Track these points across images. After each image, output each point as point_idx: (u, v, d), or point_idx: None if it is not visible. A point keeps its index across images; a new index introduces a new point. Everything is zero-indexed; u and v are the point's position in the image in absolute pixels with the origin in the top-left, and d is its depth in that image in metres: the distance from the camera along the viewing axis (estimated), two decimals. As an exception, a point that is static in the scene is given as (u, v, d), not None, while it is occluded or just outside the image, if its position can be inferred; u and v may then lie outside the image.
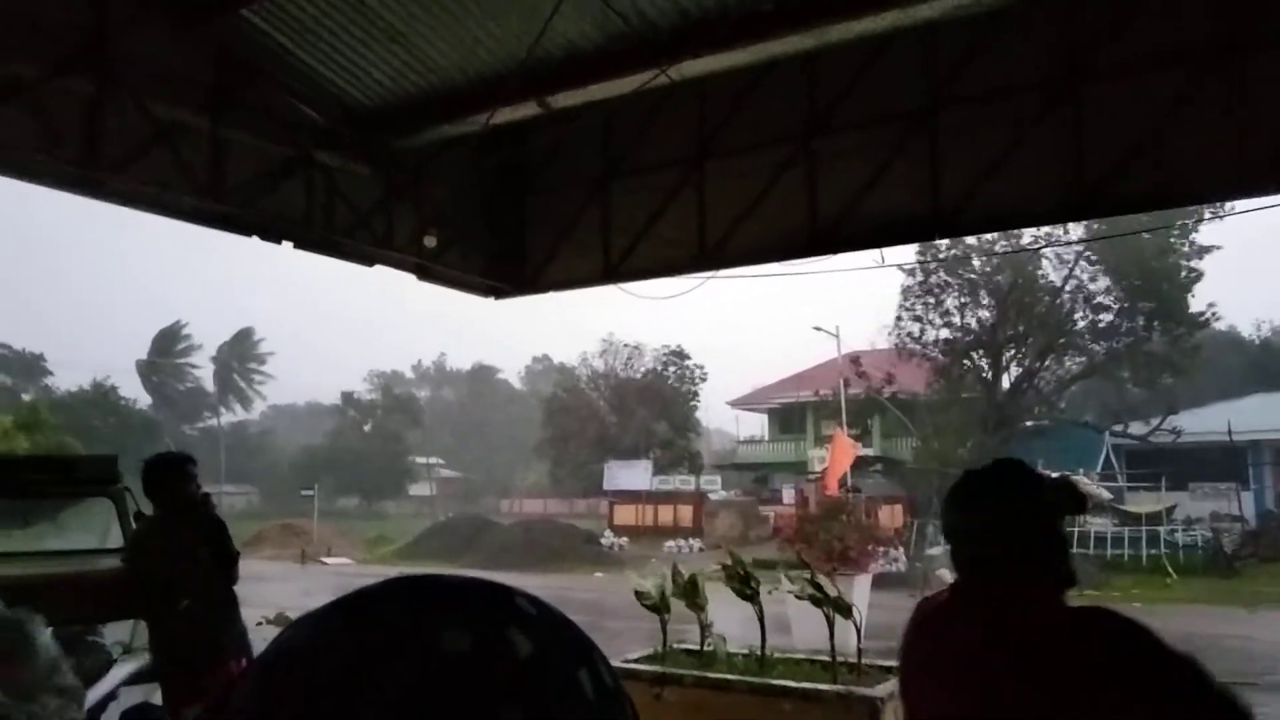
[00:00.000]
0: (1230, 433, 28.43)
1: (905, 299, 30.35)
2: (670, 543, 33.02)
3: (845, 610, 7.60)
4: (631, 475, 39.52)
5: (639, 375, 48.30)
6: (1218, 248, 28.61)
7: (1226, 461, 29.45)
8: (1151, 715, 1.63)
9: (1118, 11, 5.27)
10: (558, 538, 33.59)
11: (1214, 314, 29.51)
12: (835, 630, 5.68)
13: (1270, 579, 22.66)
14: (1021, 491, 1.95)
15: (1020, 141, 5.56)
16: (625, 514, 37.36)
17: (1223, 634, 16.64)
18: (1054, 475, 2.19)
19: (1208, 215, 26.07)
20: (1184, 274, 28.34)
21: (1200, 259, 28.42)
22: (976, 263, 28.49)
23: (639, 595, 5.95)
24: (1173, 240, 27.83)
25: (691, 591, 6.06)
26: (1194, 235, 27.85)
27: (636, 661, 5.69)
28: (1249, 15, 4.96)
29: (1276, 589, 21.39)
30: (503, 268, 7.68)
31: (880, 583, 19.67)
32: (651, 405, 45.36)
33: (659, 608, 6.00)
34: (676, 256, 7.06)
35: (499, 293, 7.81)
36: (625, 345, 49.14)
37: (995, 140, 5.63)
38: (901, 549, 25.39)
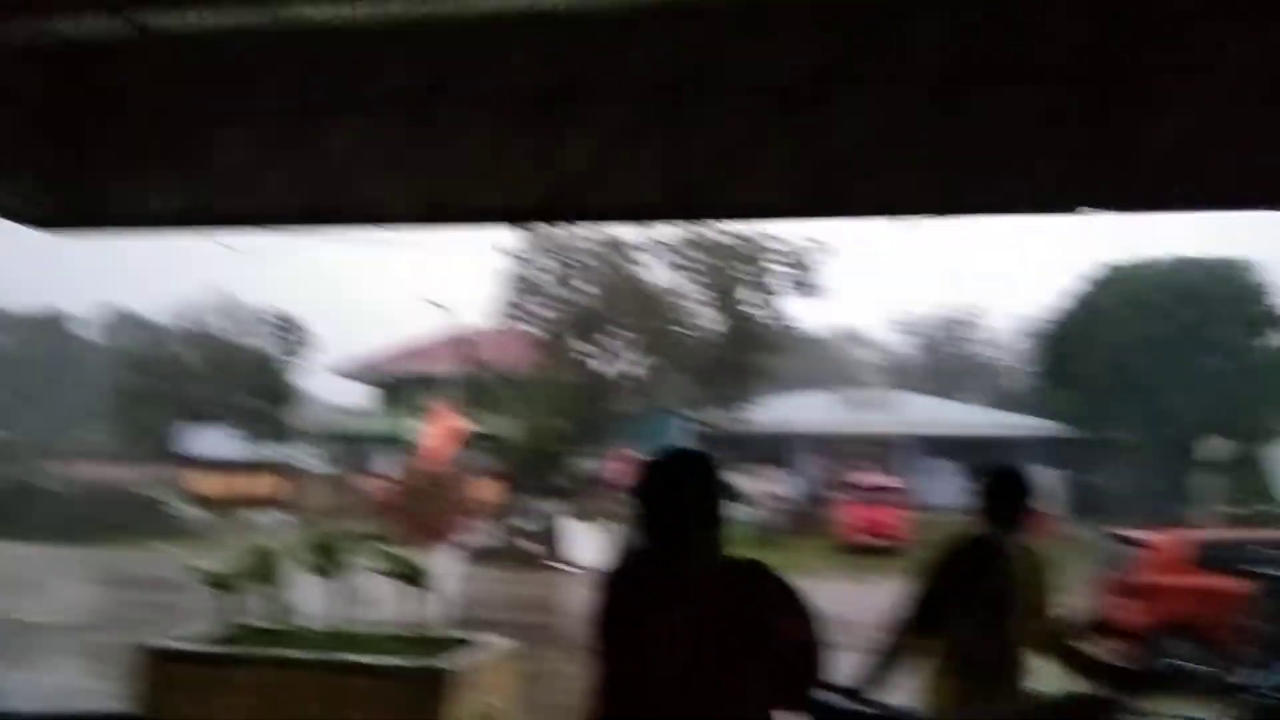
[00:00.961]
0: (780, 422, 32.98)
1: (516, 280, 31.10)
2: (257, 515, 31.07)
3: (428, 584, 7.57)
4: (217, 442, 36.67)
5: (234, 335, 44.83)
6: (805, 293, 32.49)
7: (777, 447, 33.93)
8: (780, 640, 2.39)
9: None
10: (124, 507, 30.30)
11: (785, 330, 33.72)
12: (421, 605, 5.65)
13: (802, 551, 26.15)
14: (708, 474, 2.56)
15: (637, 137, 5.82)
16: (207, 483, 34.53)
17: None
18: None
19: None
20: (766, 314, 32.02)
21: (782, 304, 32.25)
22: (585, 248, 29.88)
23: (196, 571, 5.53)
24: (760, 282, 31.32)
25: (263, 567, 5.73)
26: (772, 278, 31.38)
27: (191, 640, 5.26)
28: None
29: (810, 561, 24.72)
30: (65, 198, 6.69)
31: (477, 557, 20.07)
32: (246, 368, 42.30)
33: (224, 584, 5.61)
34: (282, 209, 6.58)
35: (52, 225, 6.76)
36: (221, 300, 45.35)
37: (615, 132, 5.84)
38: (496, 523, 26.00)
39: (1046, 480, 28.36)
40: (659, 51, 5.83)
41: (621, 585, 2.57)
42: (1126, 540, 13.18)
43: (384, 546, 10.73)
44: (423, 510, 14.16)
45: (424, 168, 6.26)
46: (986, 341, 60.63)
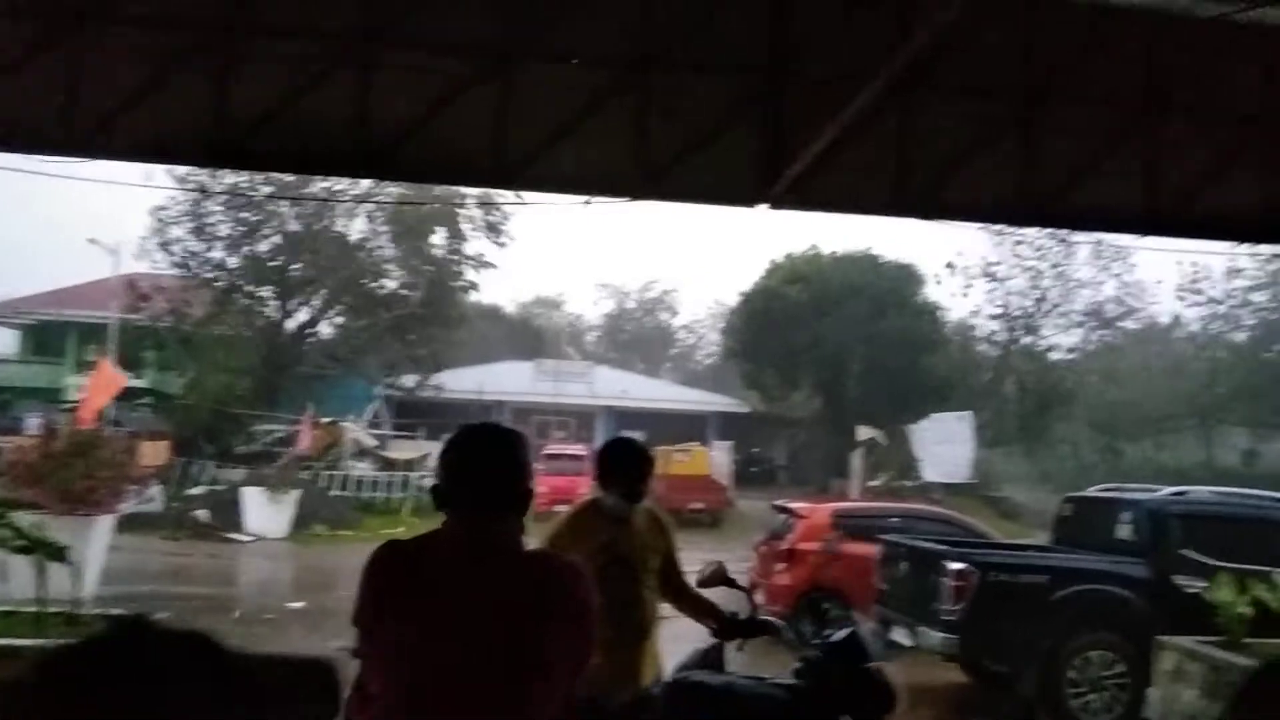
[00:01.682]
0: (480, 392, 32.85)
1: (182, 219, 28.61)
2: None
3: (68, 558, 6.83)
4: None
5: None
6: (493, 266, 32.53)
7: (477, 417, 33.73)
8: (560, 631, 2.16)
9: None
10: None
11: (480, 300, 33.73)
12: (64, 580, 5.08)
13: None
14: (516, 448, 2.40)
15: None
16: None
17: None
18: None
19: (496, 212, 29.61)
20: (460, 277, 31.76)
21: (479, 272, 32.17)
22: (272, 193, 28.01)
23: None
24: (456, 253, 31.03)
25: None
26: (469, 243, 31.24)
27: None
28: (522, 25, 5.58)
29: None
30: None
31: (132, 524, 18.28)
32: None
33: None
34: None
35: None
36: None
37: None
38: (160, 488, 23.88)
39: (722, 452, 30.39)
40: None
41: (404, 562, 2.32)
42: (785, 510, 14.38)
43: (15, 516, 9.53)
44: (68, 474, 12.66)
45: (81, 87, 5.57)
46: (679, 320, 63.99)
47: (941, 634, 9.22)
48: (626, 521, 3.88)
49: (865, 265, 34.26)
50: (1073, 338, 37.94)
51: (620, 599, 3.58)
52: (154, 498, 22.73)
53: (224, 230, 28.91)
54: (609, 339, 63.13)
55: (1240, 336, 36.39)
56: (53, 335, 35.51)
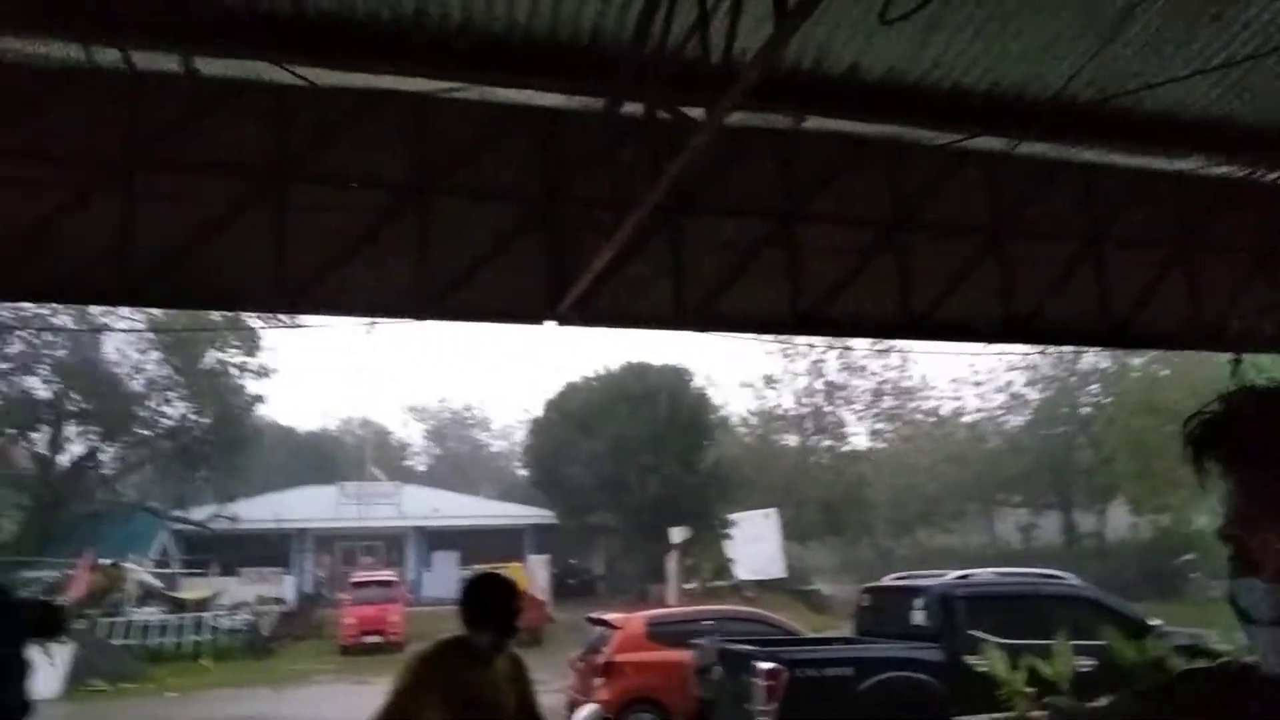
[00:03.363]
0: (278, 521, 31.10)
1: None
2: None
3: None
4: None
5: None
6: (275, 371, 31.51)
7: (276, 547, 31.94)
8: None
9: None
10: None
11: (265, 418, 32.40)
12: None
13: (300, 656, 24.71)
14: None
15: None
16: None
17: (242, 715, 17.51)
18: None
19: (265, 325, 28.68)
20: (243, 394, 30.57)
21: (260, 379, 31.06)
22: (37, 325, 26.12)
23: None
24: (232, 363, 29.87)
25: None
26: (258, 355, 30.15)
27: None
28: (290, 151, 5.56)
29: (307, 666, 23.39)
30: None
31: None
32: None
33: None
34: None
35: None
36: None
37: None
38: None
39: (540, 566, 29.93)
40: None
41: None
42: (599, 622, 14.26)
43: None
44: None
45: None
46: (489, 435, 63.25)
47: (761, 734, 9.31)
48: (489, 662, 3.68)
49: (638, 374, 35.16)
50: (863, 432, 40.37)
51: None
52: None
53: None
54: (422, 458, 61.66)
55: (1018, 422, 39.56)
56: None
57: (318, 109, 5.53)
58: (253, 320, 26.49)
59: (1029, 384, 38.57)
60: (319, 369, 69.18)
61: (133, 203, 5.37)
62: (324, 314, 5.92)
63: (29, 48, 4.74)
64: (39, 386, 27.00)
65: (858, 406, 39.55)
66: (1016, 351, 33.33)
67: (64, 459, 28.18)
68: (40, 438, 27.63)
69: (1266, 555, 1.01)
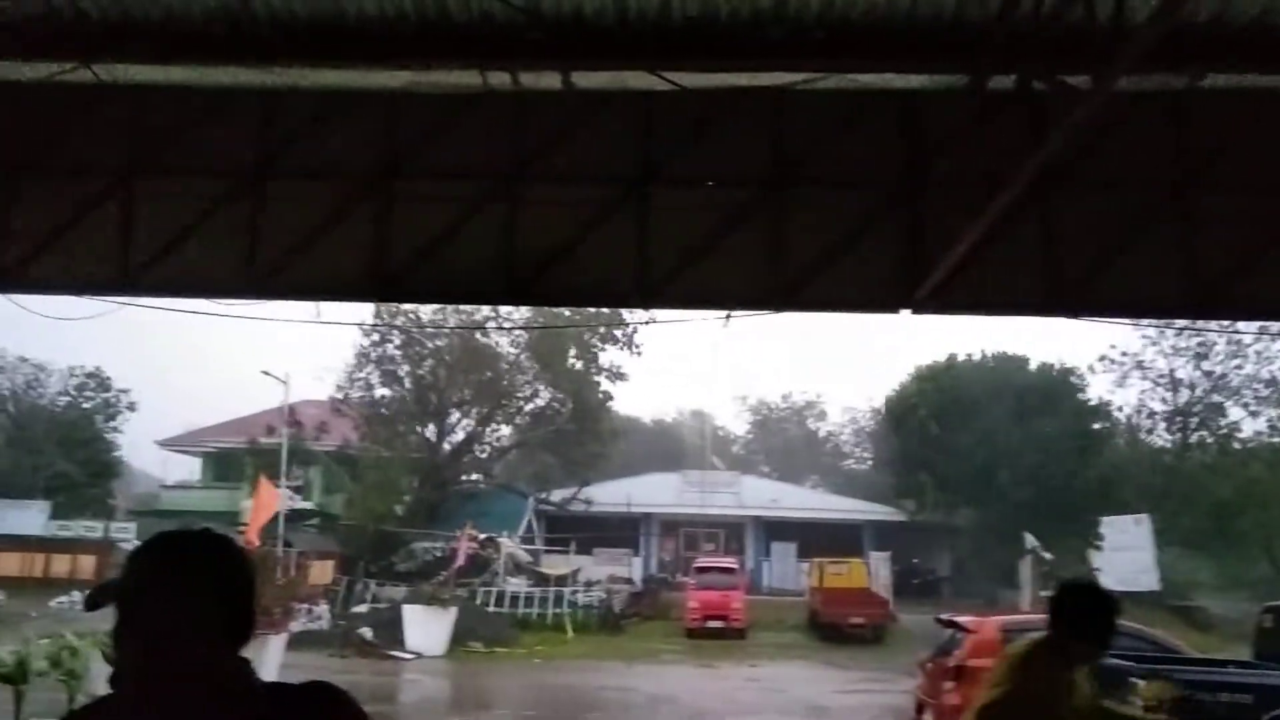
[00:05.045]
0: (629, 505, 32.89)
1: (358, 357, 30.45)
2: (62, 598, 28.58)
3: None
4: (21, 517, 33.78)
5: (43, 400, 41.56)
6: (625, 377, 33.16)
7: (625, 530, 33.84)
8: None
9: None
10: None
11: (617, 410, 34.31)
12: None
13: (649, 636, 25.98)
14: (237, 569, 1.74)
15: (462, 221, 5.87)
16: (5, 562, 31.71)
17: (604, 685, 18.67)
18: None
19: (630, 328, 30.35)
20: (600, 392, 32.35)
21: (614, 383, 32.81)
22: (427, 318, 29.56)
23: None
24: (593, 361, 31.82)
25: (67, 658, 5.25)
26: (603, 354, 31.98)
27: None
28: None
29: (653, 645, 24.56)
30: None
31: (301, 642, 19.01)
32: (58, 436, 39.32)
33: (12, 677, 5.10)
34: (95, 274, 6.26)
35: None
36: (24, 361, 41.38)
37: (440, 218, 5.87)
38: (327, 606, 24.78)
39: (881, 564, 29.27)
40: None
41: None
42: (950, 624, 13.65)
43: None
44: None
45: (258, 238, 6.11)
46: (823, 425, 62.88)
47: (1135, 760, 8.47)
48: (1073, 669, 3.79)
49: (1013, 367, 33.10)
50: (1258, 424, 35.19)
51: None
52: (321, 616, 23.59)
53: (389, 359, 30.59)
54: (754, 449, 62.59)
55: None
56: (230, 462, 37.92)
57: (674, 112, 5.74)
58: (627, 317, 28.43)
59: None
60: (669, 362, 72.40)
61: (514, 210, 5.90)
62: (681, 308, 6.15)
63: (436, 78, 5.33)
64: (430, 379, 30.62)
65: (1247, 397, 34.56)
66: None
67: (447, 444, 31.68)
68: (430, 425, 31.24)
69: None
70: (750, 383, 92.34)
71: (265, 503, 17.84)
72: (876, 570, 28.35)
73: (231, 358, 66.10)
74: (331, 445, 30.25)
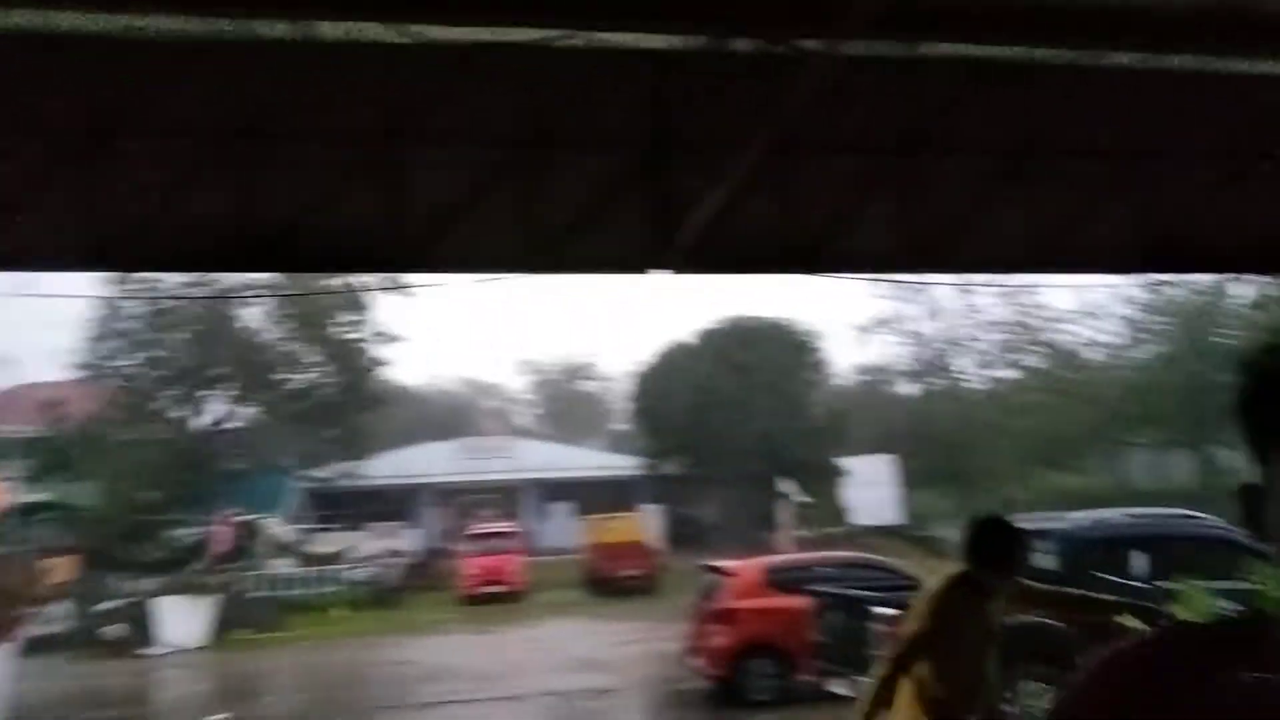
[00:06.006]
0: (400, 476, 32.26)
1: (95, 328, 27.81)
2: None
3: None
4: None
5: None
6: (396, 337, 32.17)
7: (400, 502, 33.14)
8: None
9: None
10: None
11: (387, 379, 33.34)
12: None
13: (427, 607, 25.66)
14: None
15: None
16: None
17: (384, 661, 18.27)
18: None
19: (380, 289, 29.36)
20: (367, 357, 31.46)
21: (384, 343, 31.82)
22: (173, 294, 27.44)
23: None
24: (356, 328, 30.63)
25: None
26: (370, 315, 30.88)
27: None
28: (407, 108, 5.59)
29: (431, 616, 24.28)
30: None
31: (40, 648, 17.32)
32: None
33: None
34: None
35: None
36: None
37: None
38: (69, 606, 22.72)
39: (652, 516, 30.24)
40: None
41: None
42: (714, 569, 14.32)
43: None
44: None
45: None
46: (598, 387, 63.88)
47: (880, 682, 9.21)
48: (993, 597, 4.14)
49: (765, 327, 34.92)
50: (986, 374, 39.14)
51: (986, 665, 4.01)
52: (61, 617, 21.61)
53: (129, 333, 28.17)
54: (534, 413, 62.76)
55: (1144, 356, 37.70)
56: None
57: (425, 66, 5.52)
58: (368, 286, 27.29)
59: (1152, 315, 36.60)
60: (435, 328, 70.83)
61: (248, 172, 5.49)
62: (438, 273, 6.00)
63: (157, 23, 4.85)
64: (179, 353, 28.45)
65: (979, 347, 38.33)
66: (1140, 282, 31.62)
67: (201, 422, 29.68)
68: (180, 402, 29.13)
69: None
70: (530, 347, 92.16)
71: (-11, 498, 16.04)
72: (647, 523, 29.24)
73: (-60, 337, 58.72)
74: (71, 430, 27.57)
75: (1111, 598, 5.89)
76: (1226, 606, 8.88)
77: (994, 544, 4.15)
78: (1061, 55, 5.55)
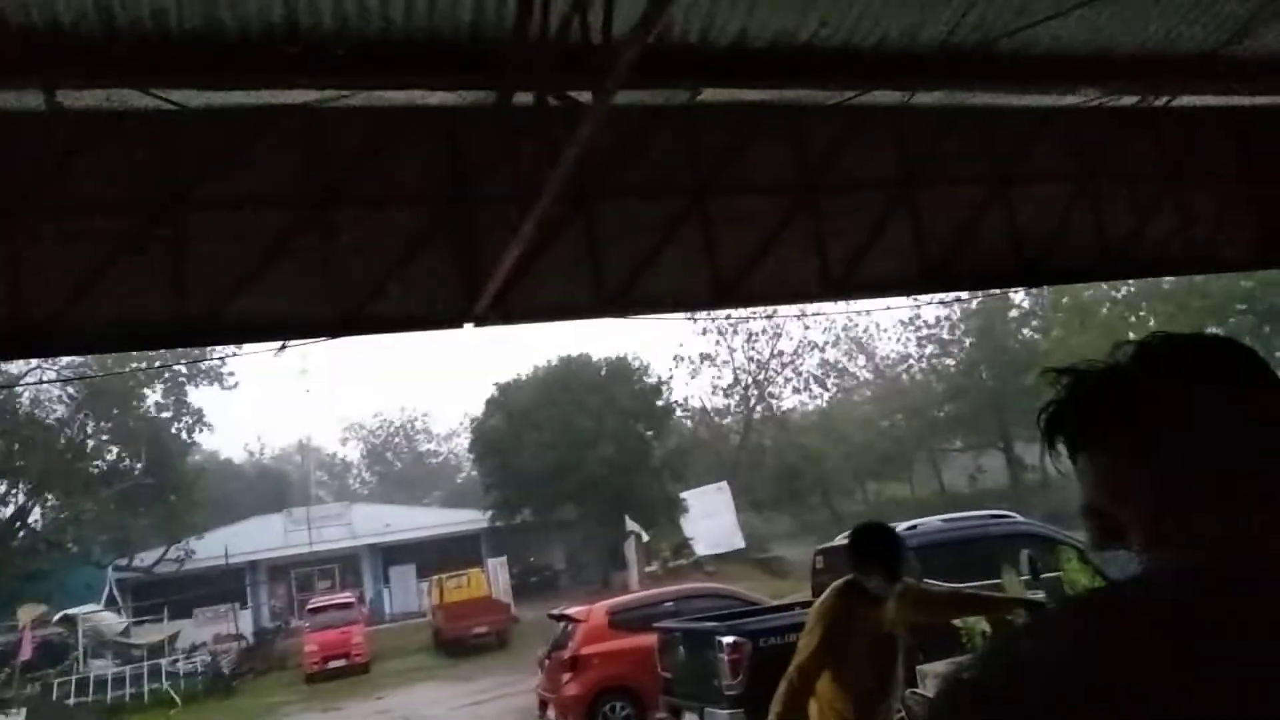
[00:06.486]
0: (228, 555, 30.41)
1: None
2: None
3: None
4: None
5: None
6: (203, 417, 30.68)
7: (229, 583, 31.23)
8: None
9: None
10: None
11: (202, 455, 31.68)
12: None
13: (267, 690, 24.23)
14: None
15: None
16: None
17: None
18: None
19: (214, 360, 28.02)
20: (183, 434, 29.92)
21: (198, 428, 30.31)
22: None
23: None
24: (165, 406, 29.14)
25: None
26: (185, 394, 29.39)
27: None
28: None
29: (272, 699, 22.95)
30: None
31: None
32: None
33: None
34: None
35: None
36: None
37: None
38: None
39: (499, 569, 29.70)
40: None
41: None
42: (563, 617, 14.18)
43: None
44: None
45: None
46: (431, 444, 62.50)
47: (728, 710, 9.29)
48: (881, 601, 4.20)
49: (580, 366, 35.05)
50: (807, 395, 40.89)
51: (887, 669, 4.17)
52: None
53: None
54: (367, 475, 60.77)
55: (951, 363, 40.12)
56: None
57: (202, 134, 5.33)
58: (177, 365, 25.90)
59: (957, 326, 39.15)
60: (252, 399, 67.72)
61: (16, 249, 5.13)
62: (231, 343, 5.76)
63: None
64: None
65: (798, 372, 40.04)
66: (934, 299, 33.82)
67: (-4, 520, 27.25)
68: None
69: (1134, 527, 1.01)
70: (356, 408, 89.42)
71: None
72: (495, 576, 28.73)
73: None
74: None
75: (1004, 595, 6.29)
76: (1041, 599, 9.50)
77: (876, 549, 4.30)
78: (829, 96, 5.91)
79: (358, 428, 61.08)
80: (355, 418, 73.14)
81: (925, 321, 39.18)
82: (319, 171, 5.60)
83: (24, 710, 20.29)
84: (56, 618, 24.86)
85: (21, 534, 27.59)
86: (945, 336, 39.65)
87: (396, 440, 61.84)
